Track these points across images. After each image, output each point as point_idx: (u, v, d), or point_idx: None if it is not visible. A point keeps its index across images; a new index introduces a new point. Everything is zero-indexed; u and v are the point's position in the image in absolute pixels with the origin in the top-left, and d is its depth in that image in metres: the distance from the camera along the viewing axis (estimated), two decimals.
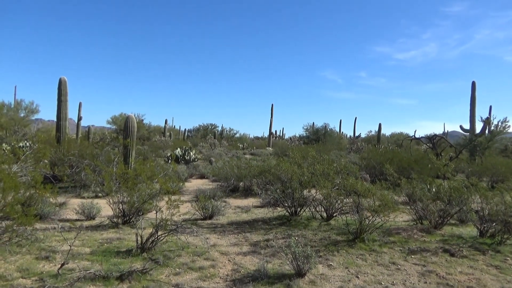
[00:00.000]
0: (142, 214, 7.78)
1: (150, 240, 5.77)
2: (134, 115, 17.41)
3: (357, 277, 5.20)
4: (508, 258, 6.14)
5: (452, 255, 6.21)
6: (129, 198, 7.35)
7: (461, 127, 28.11)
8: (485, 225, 7.31)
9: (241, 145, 39.61)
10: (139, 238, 5.75)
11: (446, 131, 42.25)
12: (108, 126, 40.23)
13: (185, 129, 52.66)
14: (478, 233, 7.40)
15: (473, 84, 27.47)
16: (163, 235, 5.84)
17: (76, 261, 5.23)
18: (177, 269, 5.18)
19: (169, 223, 5.76)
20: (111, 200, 7.67)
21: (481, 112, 32.02)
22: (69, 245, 5.11)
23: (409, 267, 5.65)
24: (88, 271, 4.67)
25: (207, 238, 6.79)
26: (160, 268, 5.16)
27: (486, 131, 25.28)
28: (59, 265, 4.79)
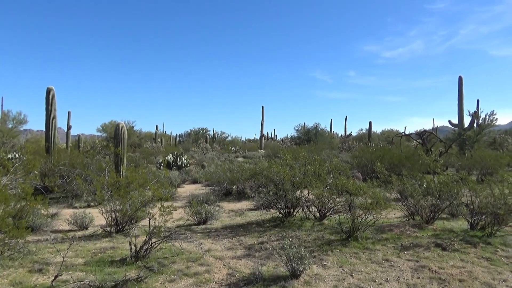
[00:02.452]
0: (135, 222, 7.75)
1: (144, 248, 5.75)
2: (124, 122, 17.36)
3: (352, 275, 5.25)
4: (499, 250, 6.25)
5: (444, 249, 6.29)
6: (121, 206, 7.32)
7: (450, 121, 28.49)
8: (475, 218, 7.42)
9: (233, 148, 39.60)
10: (132, 247, 5.73)
11: (435, 126, 42.85)
12: (99, 134, 39.95)
13: (176, 134, 52.65)
14: (469, 226, 7.52)
15: (460, 78, 27.84)
16: (157, 242, 5.83)
17: (70, 272, 5.20)
18: (172, 276, 5.18)
19: (163, 229, 5.76)
20: (103, 209, 7.62)
21: (469, 106, 32.58)
22: (62, 257, 5.07)
23: (402, 263, 5.72)
24: (82, 282, 4.64)
25: (201, 244, 6.79)
26: (155, 276, 5.15)
27: (475, 125, 25.62)
28: (53, 277, 4.76)
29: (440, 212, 8.04)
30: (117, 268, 5.39)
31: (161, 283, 4.95)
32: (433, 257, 5.94)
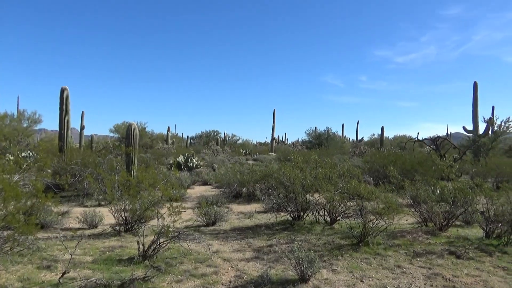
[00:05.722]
0: (144, 222, 7.74)
1: (152, 247, 5.72)
2: (136, 123, 17.48)
3: (362, 281, 5.12)
4: None
5: (458, 257, 6.12)
6: (131, 206, 7.31)
7: (464, 128, 28.02)
8: (491, 226, 7.23)
9: (243, 151, 39.62)
10: (140, 246, 5.70)
11: (449, 132, 42.16)
12: (111, 134, 40.47)
13: (187, 136, 52.79)
14: (484, 234, 7.32)
15: (475, 84, 27.41)
16: (165, 242, 5.80)
17: (77, 269, 5.19)
18: (179, 277, 5.13)
19: (171, 230, 5.72)
20: (113, 208, 7.63)
21: (483, 113, 32.01)
22: (70, 254, 5.06)
23: (415, 270, 5.57)
24: (90, 280, 4.63)
25: (210, 245, 6.73)
26: (162, 276, 5.11)
27: (490, 132, 25.16)
28: (61, 274, 4.76)
29: (454, 219, 7.86)
30: (124, 267, 5.37)
31: (168, 283, 4.91)
32: (446, 265, 5.78)
